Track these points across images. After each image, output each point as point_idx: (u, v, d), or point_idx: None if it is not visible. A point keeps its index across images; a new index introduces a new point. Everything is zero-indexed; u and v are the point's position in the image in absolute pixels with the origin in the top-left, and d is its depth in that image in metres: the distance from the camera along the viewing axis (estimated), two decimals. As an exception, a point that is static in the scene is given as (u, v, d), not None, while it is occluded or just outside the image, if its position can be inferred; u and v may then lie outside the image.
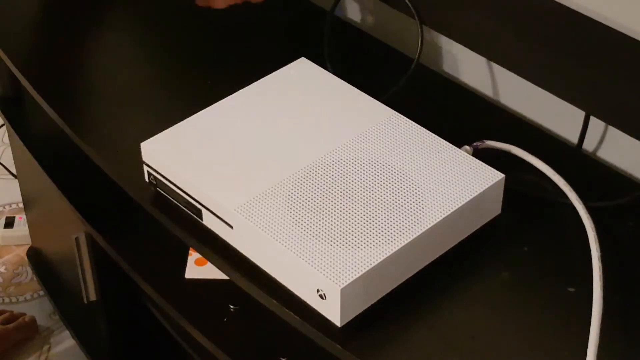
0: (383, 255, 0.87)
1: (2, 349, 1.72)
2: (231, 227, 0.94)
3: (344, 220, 0.91)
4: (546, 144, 1.11)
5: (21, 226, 1.93)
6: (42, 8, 1.36)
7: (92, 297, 1.42)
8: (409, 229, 0.90)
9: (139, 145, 1.01)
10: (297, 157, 0.97)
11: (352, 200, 0.93)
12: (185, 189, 0.97)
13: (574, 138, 1.11)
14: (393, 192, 0.93)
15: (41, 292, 1.84)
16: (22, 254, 1.91)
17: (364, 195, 0.93)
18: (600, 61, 1.03)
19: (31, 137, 1.46)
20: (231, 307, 1.16)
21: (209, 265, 1.19)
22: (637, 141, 1.04)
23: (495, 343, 0.88)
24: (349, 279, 0.85)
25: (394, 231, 0.90)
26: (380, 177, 0.95)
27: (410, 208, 0.92)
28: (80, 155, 1.13)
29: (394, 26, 1.27)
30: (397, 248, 0.88)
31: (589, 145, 1.11)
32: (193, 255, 1.24)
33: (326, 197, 0.93)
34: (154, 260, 1.24)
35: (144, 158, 1.01)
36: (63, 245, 1.52)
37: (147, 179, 1.02)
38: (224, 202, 0.93)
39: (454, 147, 0.99)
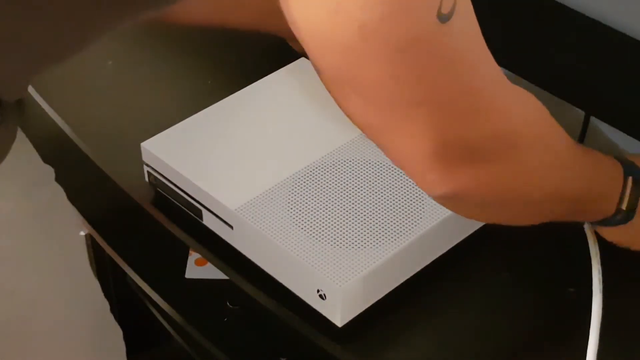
0: (383, 256, 0.87)
1: None
2: (231, 227, 0.94)
3: (344, 221, 0.91)
4: (546, 144, 1.10)
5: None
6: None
7: (92, 297, 1.42)
8: (409, 230, 0.90)
9: (139, 145, 1.00)
10: (298, 158, 0.97)
11: (353, 200, 0.93)
12: (185, 189, 0.97)
13: (573, 138, 1.11)
14: (393, 193, 0.93)
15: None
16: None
17: (364, 196, 0.93)
18: (600, 61, 1.03)
19: (31, 137, 1.46)
20: (229, 304, 1.16)
21: (209, 265, 1.19)
22: (637, 141, 1.04)
23: (494, 343, 0.88)
24: (349, 280, 0.85)
25: (394, 231, 0.90)
26: (381, 178, 0.95)
27: (411, 208, 0.92)
28: (80, 155, 1.13)
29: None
30: (397, 249, 0.88)
31: (589, 145, 1.11)
32: (193, 255, 1.24)
33: (326, 198, 0.93)
34: (154, 260, 1.24)
35: (144, 158, 1.01)
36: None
37: (147, 179, 1.02)
38: (224, 202, 0.93)
39: (454, 147, 0.99)
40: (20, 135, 0.84)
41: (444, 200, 0.74)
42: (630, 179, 0.83)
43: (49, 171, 0.91)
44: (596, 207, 0.84)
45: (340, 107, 0.69)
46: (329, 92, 0.68)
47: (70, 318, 0.92)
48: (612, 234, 0.89)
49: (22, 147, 0.85)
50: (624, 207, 0.83)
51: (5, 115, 0.79)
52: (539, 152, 0.74)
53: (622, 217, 0.84)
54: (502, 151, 0.71)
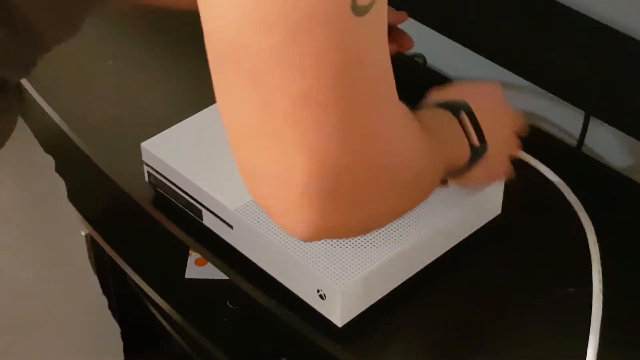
0: (383, 256, 0.87)
1: None
2: (231, 227, 0.94)
3: (344, 221, 0.91)
4: (546, 144, 1.11)
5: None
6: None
7: (92, 297, 1.42)
8: (409, 230, 0.90)
9: (139, 145, 1.01)
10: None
11: (352, 200, 0.93)
12: (185, 189, 0.97)
13: (574, 138, 1.11)
14: (393, 192, 0.93)
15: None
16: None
17: (364, 196, 0.93)
18: (600, 61, 1.03)
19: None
20: (229, 304, 1.16)
21: (209, 265, 1.19)
22: (637, 141, 1.04)
23: (495, 343, 0.88)
24: (349, 280, 0.85)
25: (395, 232, 0.89)
26: (380, 177, 0.95)
27: (410, 208, 0.92)
28: (81, 155, 1.13)
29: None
30: (397, 249, 0.88)
31: (589, 145, 1.11)
32: (193, 255, 1.24)
33: (326, 197, 0.93)
34: (154, 260, 1.24)
35: (144, 158, 1.01)
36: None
37: (147, 179, 1.02)
38: (224, 202, 0.93)
39: (454, 147, 0.99)
40: (21, 123, 0.84)
41: (303, 238, 0.61)
42: (462, 114, 0.81)
43: (50, 161, 0.91)
44: (454, 163, 0.81)
45: (217, 100, 0.60)
46: (212, 77, 0.59)
47: (66, 311, 0.92)
48: (472, 177, 0.85)
49: (22, 136, 0.85)
50: (475, 142, 0.82)
51: (8, 99, 0.79)
52: (413, 182, 0.68)
53: (480, 151, 0.82)
54: (381, 189, 0.62)
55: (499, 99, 0.90)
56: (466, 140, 0.82)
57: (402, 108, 0.64)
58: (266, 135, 0.57)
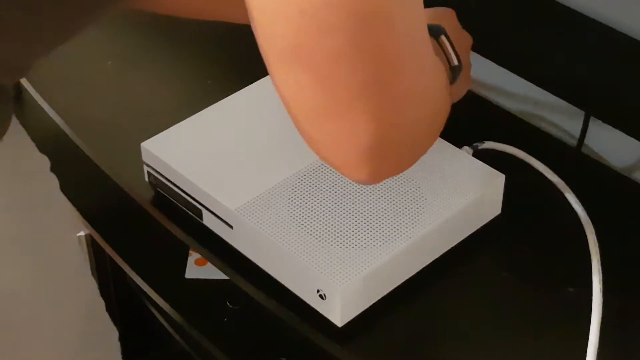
0: (383, 256, 0.87)
1: None
2: (231, 227, 0.94)
3: (344, 221, 0.91)
4: (546, 144, 1.11)
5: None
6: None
7: (92, 297, 1.42)
8: (409, 230, 0.90)
9: (139, 145, 1.01)
10: (298, 157, 0.97)
11: (353, 200, 0.93)
12: (185, 189, 0.97)
13: (574, 138, 1.11)
14: (393, 193, 0.93)
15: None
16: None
17: (364, 196, 0.93)
18: (600, 61, 1.03)
19: (31, 136, 1.46)
20: (229, 304, 1.16)
21: (209, 265, 1.19)
22: (637, 141, 1.04)
23: (495, 343, 0.88)
24: (348, 280, 0.85)
25: (395, 232, 0.90)
26: (380, 177, 0.95)
27: (411, 208, 0.92)
28: (81, 155, 1.13)
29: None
30: (397, 249, 0.88)
31: (589, 145, 1.11)
32: (193, 255, 1.24)
33: (327, 198, 0.93)
34: (154, 260, 1.24)
35: (144, 158, 1.01)
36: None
37: (147, 179, 1.02)
38: (224, 202, 0.93)
39: (454, 147, 0.99)
40: (15, 124, 0.84)
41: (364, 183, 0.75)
42: (442, 38, 0.87)
43: (45, 161, 0.91)
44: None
45: (280, 88, 0.64)
46: (271, 70, 0.63)
47: (59, 316, 0.91)
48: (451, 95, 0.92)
49: (17, 136, 0.85)
50: (455, 61, 0.88)
51: (2, 101, 0.79)
52: (445, 117, 0.76)
53: (459, 70, 0.89)
54: (425, 141, 0.73)
55: (455, 21, 0.96)
56: (447, 62, 0.88)
57: (438, 65, 0.72)
58: (332, 113, 0.64)
